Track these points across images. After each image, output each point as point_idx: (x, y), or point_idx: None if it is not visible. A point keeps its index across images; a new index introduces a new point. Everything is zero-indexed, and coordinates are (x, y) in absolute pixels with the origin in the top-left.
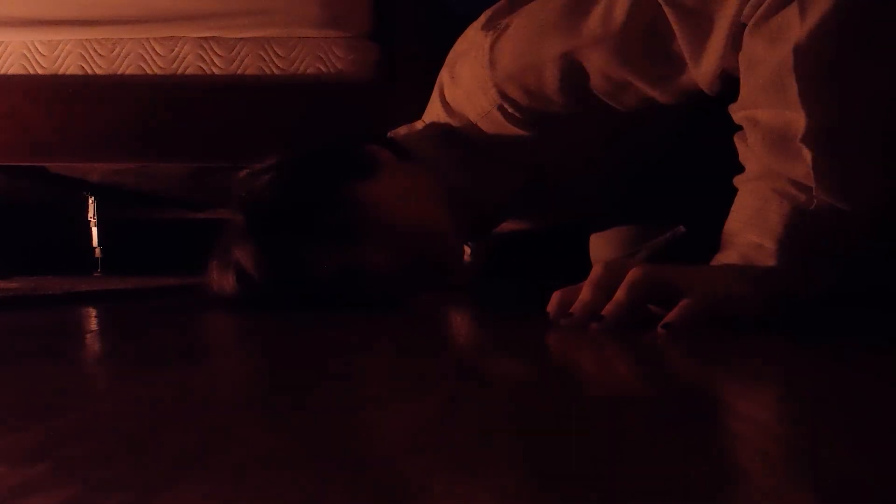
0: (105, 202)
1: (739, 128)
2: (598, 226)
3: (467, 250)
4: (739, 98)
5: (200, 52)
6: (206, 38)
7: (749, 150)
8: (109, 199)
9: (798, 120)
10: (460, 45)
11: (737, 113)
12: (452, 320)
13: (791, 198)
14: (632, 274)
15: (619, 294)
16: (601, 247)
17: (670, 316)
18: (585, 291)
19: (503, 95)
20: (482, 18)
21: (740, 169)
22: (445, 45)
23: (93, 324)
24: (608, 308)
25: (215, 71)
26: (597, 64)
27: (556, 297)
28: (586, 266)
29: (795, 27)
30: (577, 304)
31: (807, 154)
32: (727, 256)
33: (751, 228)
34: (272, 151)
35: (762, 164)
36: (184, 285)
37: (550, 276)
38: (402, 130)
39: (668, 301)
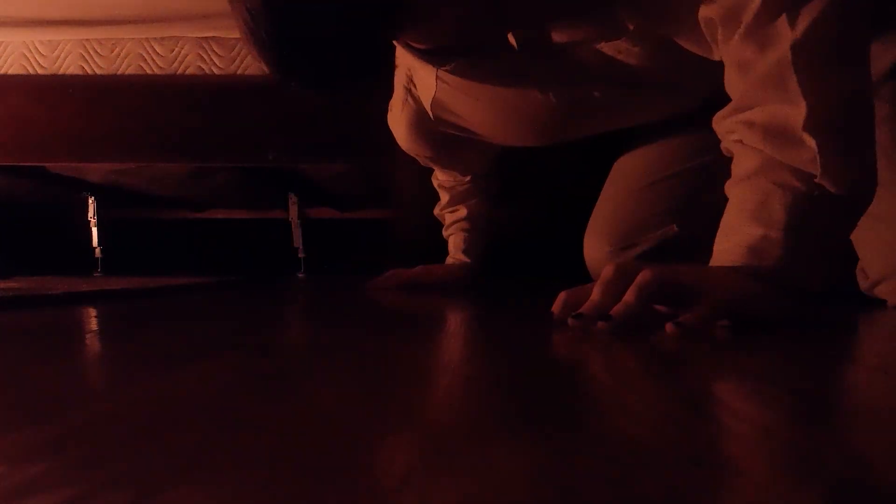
0: (105, 202)
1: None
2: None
3: (466, 258)
4: (731, 104)
5: (200, 52)
6: (206, 38)
7: (743, 151)
8: (109, 199)
9: (798, 111)
10: None
11: (726, 119)
12: (453, 320)
13: (793, 188)
14: (642, 276)
15: (629, 295)
16: (594, 244)
17: (686, 317)
18: (596, 292)
19: None
20: None
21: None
22: None
23: (93, 324)
24: (617, 308)
25: (215, 71)
26: None
27: (561, 297)
28: (582, 266)
29: (788, 32)
30: (587, 304)
31: (811, 141)
32: (731, 252)
33: (755, 222)
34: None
35: (762, 158)
36: (184, 285)
37: (549, 276)
38: None
39: (676, 301)
